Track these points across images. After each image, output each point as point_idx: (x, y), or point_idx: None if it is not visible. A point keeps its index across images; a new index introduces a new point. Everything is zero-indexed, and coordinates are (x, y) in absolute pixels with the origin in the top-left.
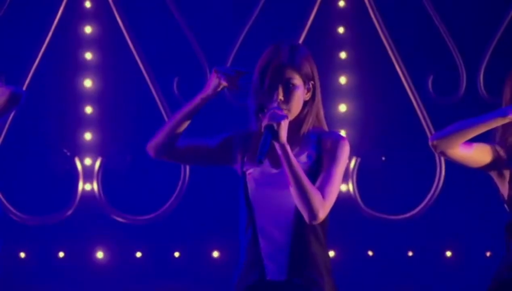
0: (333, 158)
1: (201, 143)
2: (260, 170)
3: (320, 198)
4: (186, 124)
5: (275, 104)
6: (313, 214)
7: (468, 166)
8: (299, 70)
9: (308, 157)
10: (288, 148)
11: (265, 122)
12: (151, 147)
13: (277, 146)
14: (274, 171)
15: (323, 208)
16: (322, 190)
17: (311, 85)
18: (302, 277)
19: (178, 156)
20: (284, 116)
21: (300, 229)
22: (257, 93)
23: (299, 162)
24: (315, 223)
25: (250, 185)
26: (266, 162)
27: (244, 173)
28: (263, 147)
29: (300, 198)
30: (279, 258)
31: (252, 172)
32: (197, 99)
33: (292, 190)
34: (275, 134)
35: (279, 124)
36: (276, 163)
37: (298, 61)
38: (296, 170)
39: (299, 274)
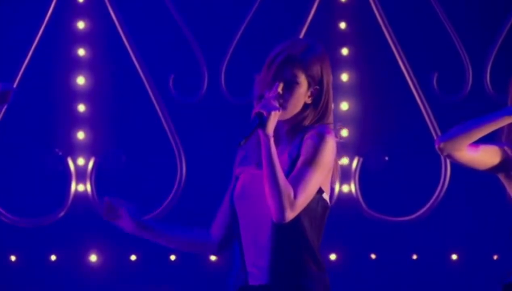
0: (312, 152)
1: (226, 210)
2: (249, 172)
3: (290, 196)
4: (174, 236)
5: (271, 96)
6: (280, 212)
7: (475, 168)
8: (306, 70)
9: (289, 155)
10: (272, 140)
11: (256, 110)
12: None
13: (261, 135)
14: (258, 171)
15: (292, 207)
16: (294, 187)
17: (315, 90)
18: (285, 281)
19: (231, 234)
20: (276, 108)
21: (282, 230)
22: (261, 82)
23: (280, 161)
24: (282, 222)
25: (237, 188)
26: (253, 163)
27: (236, 177)
28: (247, 131)
29: (269, 194)
30: (260, 262)
31: (241, 176)
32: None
33: (265, 185)
34: (263, 123)
35: (269, 113)
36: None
37: (308, 60)
38: (273, 163)
39: (282, 278)
